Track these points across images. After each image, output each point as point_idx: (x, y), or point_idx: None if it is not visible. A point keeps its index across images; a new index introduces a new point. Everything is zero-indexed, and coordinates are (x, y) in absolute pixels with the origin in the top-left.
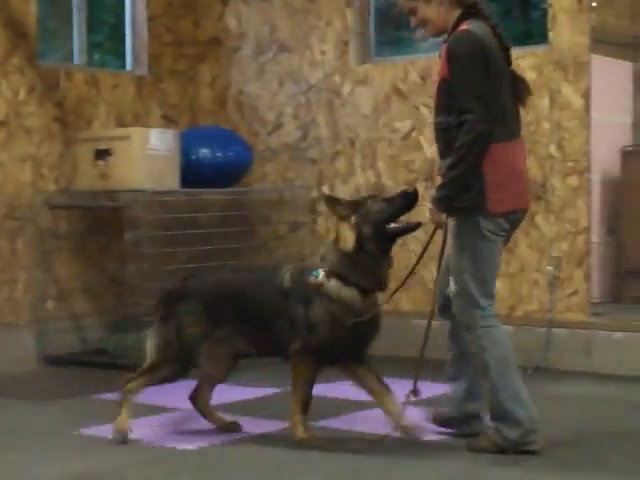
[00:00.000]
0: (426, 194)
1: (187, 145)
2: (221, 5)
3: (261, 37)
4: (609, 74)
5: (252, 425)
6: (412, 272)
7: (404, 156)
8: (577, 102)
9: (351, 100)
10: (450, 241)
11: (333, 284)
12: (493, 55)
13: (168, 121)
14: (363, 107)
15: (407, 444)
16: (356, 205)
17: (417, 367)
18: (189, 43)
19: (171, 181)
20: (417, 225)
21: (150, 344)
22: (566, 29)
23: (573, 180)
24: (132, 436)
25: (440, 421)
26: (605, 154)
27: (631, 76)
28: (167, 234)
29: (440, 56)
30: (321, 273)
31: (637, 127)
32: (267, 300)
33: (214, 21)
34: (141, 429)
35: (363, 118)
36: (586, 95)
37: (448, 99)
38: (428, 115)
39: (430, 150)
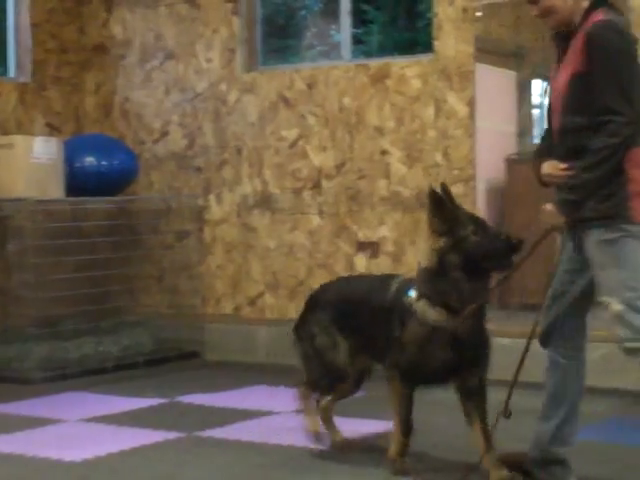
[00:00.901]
0: (313, 202)
1: (72, 153)
2: (106, 12)
3: (147, 44)
4: (493, 83)
5: (137, 435)
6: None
7: (291, 165)
8: (462, 111)
9: (238, 108)
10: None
11: (420, 305)
12: (636, 50)
13: (52, 129)
14: (250, 115)
15: None
16: (455, 224)
17: (510, 387)
18: (73, 50)
19: (55, 190)
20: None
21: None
22: (451, 38)
23: (459, 188)
24: (15, 449)
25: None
26: (490, 162)
27: (515, 85)
28: (52, 243)
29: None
30: (414, 292)
31: (521, 136)
32: (376, 312)
33: (99, 28)
34: (24, 441)
35: (250, 126)
36: (471, 104)
37: (585, 97)
38: (315, 123)
39: (316, 159)
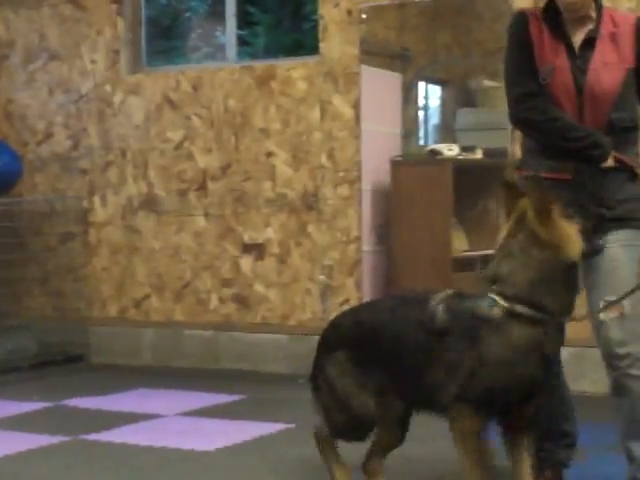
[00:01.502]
0: (199, 204)
1: None
2: None
3: (30, 45)
4: (379, 85)
5: (23, 439)
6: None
7: (176, 166)
8: (347, 113)
9: (122, 110)
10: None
11: (507, 315)
12: None
13: None
14: (134, 117)
15: None
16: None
17: None
18: None
19: None
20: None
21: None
22: (336, 40)
23: (344, 190)
24: None
25: None
26: (375, 164)
27: (400, 87)
28: None
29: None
30: (498, 301)
31: (406, 138)
32: (415, 343)
33: None
34: None
35: (134, 128)
36: (356, 106)
37: (636, 92)
38: (200, 125)
39: (202, 160)
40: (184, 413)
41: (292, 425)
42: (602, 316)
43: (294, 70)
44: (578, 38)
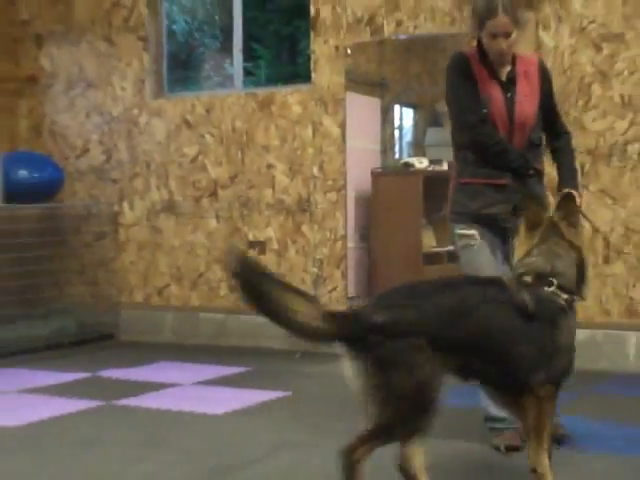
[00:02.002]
0: (211, 208)
1: (8, 167)
2: (36, 48)
3: (71, 76)
4: (361, 108)
5: (65, 404)
6: None
7: (192, 176)
8: (335, 132)
9: (147, 129)
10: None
11: (568, 299)
12: None
13: None
14: (157, 135)
15: None
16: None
17: None
18: (9, 80)
19: None
20: None
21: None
22: (326, 71)
23: (332, 196)
24: None
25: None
26: (358, 175)
27: (379, 110)
28: None
29: (518, 76)
30: (560, 293)
31: (384, 153)
32: (508, 327)
33: (31, 62)
34: None
35: (157, 144)
36: (342, 126)
37: (546, 116)
38: (212, 142)
39: (213, 171)
40: (198, 382)
41: (289, 393)
42: None
43: (290, 96)
44: (503, 76)
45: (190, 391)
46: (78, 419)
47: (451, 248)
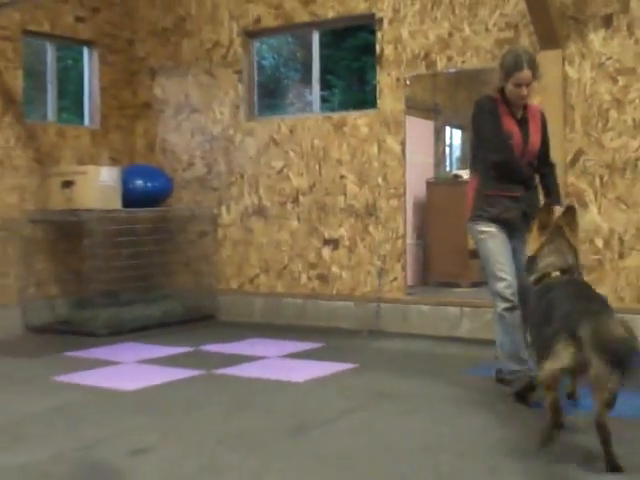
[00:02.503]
0: (293, 211)
1: (127, 178)
2: (151, 80)
3: (178, 102)
4: (418, 129)
5: (172, 372)
6: None
7: (278, 185)
8: (396, 148)
9: (241, 146)
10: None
11: None
12: None
13: (114, 161)
14: (249, 151)
15: None
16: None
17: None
18: (128, 106)
19: (116, 203)
20: None
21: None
22: (389, 98)
23: (394, 202)
24: (88, 382)
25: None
26: (416, 184)
27: (433, 131)
28: (113, 240)
29: (527, 120)
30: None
31: (437, 166)
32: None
33: (146, 91)
34: (95, 376)
35: (250, 159)
36: (402, 143)
37: (541, 149)
38: (294, 157)
39: (296, 181)
40: (282, 356)
41: (357, 365)
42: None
43: (359, 119)
44: (518, 116)
45: (275, 363)
46: (183, 385)
47: None
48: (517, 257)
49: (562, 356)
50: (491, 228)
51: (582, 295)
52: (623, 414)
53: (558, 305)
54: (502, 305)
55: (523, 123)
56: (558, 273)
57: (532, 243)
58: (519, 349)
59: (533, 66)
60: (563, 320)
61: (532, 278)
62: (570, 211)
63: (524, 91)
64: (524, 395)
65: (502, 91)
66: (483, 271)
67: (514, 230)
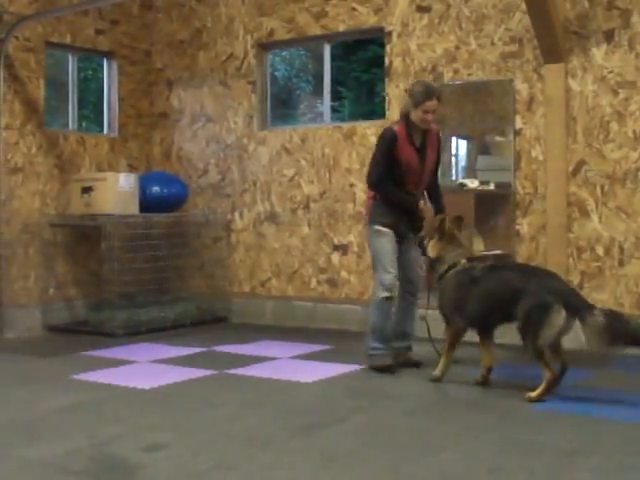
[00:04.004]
0: (304, 218)
1: (144, 184)
2: (167, 90)
3: (194, 112)
4: None
5: (186, 372)
6: None
7: (289, 192)
8: None
9: (254, 155)
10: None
11: None
12: None
13: (131, 168)
14: (262, 160)
15: None
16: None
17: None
18: (146, 116)
19: (133, 208)
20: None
21: None
22: (397, 110)
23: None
24: (104, 380)
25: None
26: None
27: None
28: (130, 244)
29: (424, 144)
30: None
31: (443, 175)
32: None
33: (163, 101)
34: (111, 375)
35: (262, 167)
36: None
37: (434, 168)
38: (305, 165)
39: (307, 189)
40: (292, 357)
41: (364, 366)
42: (419, 271)
43: (368, 129)
44: (418, 142)
45: (286, 363)
46: (197, 384)
47: (497, 251)
48: (406, 257)
49: (557, 322)
50: (385, 229)
51: (536, 273)
52: None
53: (514, 282)
54: (383, 294)
55: (422, 149)
56: (465, 261)
57: (434, 248)
58: (387, 331)
59: (439, 96)
60: (549, 294)
61: (441, 270)
62: (459, 219)
63: (430, 117)
64: (383, 369)
65: (406, 117)
66: (373, 263)
67: (402, 237)
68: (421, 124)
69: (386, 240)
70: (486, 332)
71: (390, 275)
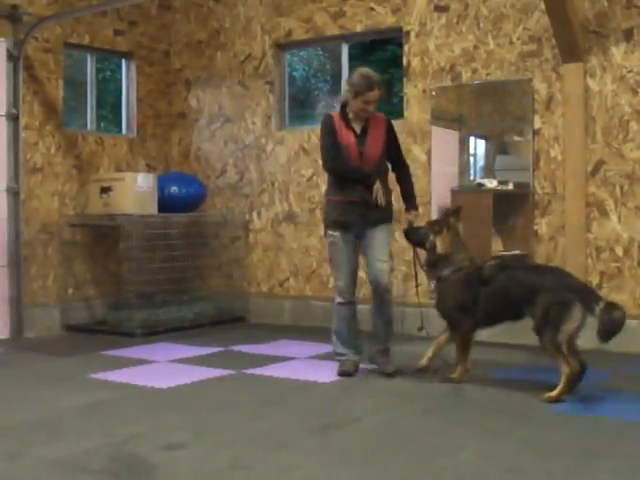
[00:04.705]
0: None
1: (162, 184)
2: (186, 91)
3: (212, 112)
4: (443, 139)
5: (204, 372)
6: None
7: (307, 192)
8: (422, 157)
9: (272, 155)
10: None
11: None
12: None
13: (150, 168)
14: (280, 159)
15: None
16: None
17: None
18: (164, 116)
19: (151, 208)
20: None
21: None
22: (415, 109)
23: (421, 209)
24: (123, 379)
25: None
26: (441, 192)
27: (457, 141)
28: (149, 244)
29: (368, 128)
30: None
31: (461, 175)
32: None
33: (181, 101)
34: (130, 374)
35: (280, 167)
36: (428, 153)
37: (385, 153)
38: None
39: (324, 188)
40: (310, 356)
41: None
42: (379, 265)
43: None
44: (358, 128)
45: (303, 363)
46: (214, 383)
47: (516, 252)
48: (372, 250)
49: (577, 317)
50: (336, 233)
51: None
52: None
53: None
54: (338, 299)
55: (362, 134)
56: (468, 263)
57: (443, 243)
58: (349, 336)
59: (380, 86)
60: (568, 292)
61: (445, 273)
62: (458, 211)
63: (371, 107)
64: (349, 374)
65: (343, 106)
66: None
67: (358, 231)
68: (361, 113)
69: (337, 249)
70: (481, 329)
71: (340, 282)
